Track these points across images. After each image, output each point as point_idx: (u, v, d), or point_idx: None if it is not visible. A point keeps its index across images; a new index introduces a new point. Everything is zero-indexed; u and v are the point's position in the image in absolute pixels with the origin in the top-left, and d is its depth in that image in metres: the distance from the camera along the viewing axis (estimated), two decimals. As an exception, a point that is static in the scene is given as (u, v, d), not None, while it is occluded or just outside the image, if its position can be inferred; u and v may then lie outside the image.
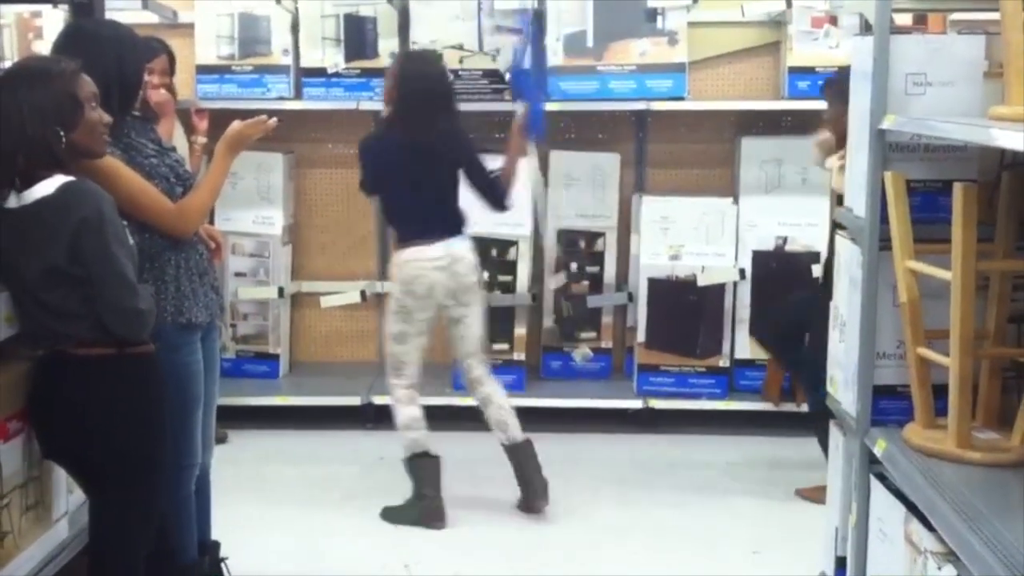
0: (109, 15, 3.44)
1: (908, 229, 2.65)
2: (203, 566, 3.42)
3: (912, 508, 2.53)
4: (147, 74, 4.40)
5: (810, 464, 4.49)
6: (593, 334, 5.51)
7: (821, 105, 4.55)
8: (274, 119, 3.31)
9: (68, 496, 2.94)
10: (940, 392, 2.63)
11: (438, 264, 4.24)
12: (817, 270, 5.09)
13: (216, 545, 3.54)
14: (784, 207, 5.28)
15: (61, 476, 2.88)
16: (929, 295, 2.65)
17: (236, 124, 3.28)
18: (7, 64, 5.72)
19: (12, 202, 2.63)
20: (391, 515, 4.35)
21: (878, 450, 2.72)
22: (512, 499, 4.44)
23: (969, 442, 2.56)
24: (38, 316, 2.68)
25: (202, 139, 4.85)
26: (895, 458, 2.64)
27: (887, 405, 2.83)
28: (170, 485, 3.03)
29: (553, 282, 5.44)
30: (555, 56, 5.17)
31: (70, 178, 2.63)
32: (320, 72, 5.32)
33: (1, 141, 2.60)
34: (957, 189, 2.46)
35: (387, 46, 5.29)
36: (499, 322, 5.32)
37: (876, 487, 2.77)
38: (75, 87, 2.67)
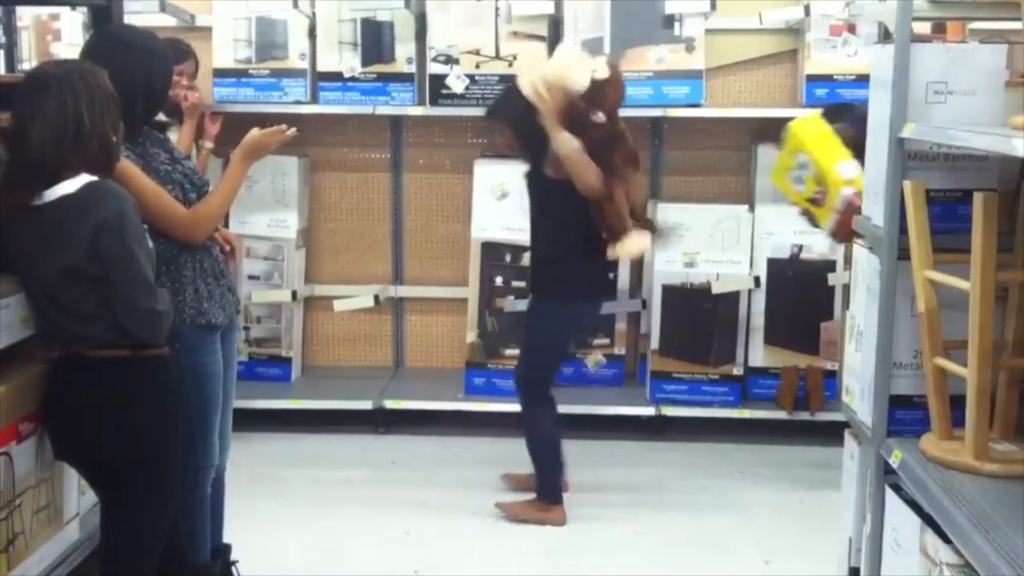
0: (127, 18, 3.44)
1: (927, 238, 2.63)
2: (215, 569, 3.42)
3: (927, 519, 2.51)
4: (176, 75, 4.46)
5: (823, 471, 4.47)
6: (606, 340, 5.49)
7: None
8: (293, 129, 3.29)
9: (80, 498, 2.94)
10: (957, 403, 2.61)
11: None
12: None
13: (227, 548, 3.53)
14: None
15: (73, 477, 2.88)
16: (947, 305, 2.64)
17: (255, 132, 3.26)
18: (26, 65, 5.77)
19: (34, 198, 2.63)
20: None
21: (894, 460, 2.71)
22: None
23: (986, 453, 2.54)
24: (54, 316, 2.68)
25: (209, 144, 4.84)
26: (911, 469, 2.62)
27: (903, 415, 2.82)
28: (186, 486, 3.03)
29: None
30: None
31: (93, 178, 2.64)
32: (337, 76, 5.32)
33: (55, 138, 2.60)
34: (977, 198, 2.45)
35: (404, 51, 5.29)
36: (512, 328, 5.31)
37: (891, 498, 2.76)
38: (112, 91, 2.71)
